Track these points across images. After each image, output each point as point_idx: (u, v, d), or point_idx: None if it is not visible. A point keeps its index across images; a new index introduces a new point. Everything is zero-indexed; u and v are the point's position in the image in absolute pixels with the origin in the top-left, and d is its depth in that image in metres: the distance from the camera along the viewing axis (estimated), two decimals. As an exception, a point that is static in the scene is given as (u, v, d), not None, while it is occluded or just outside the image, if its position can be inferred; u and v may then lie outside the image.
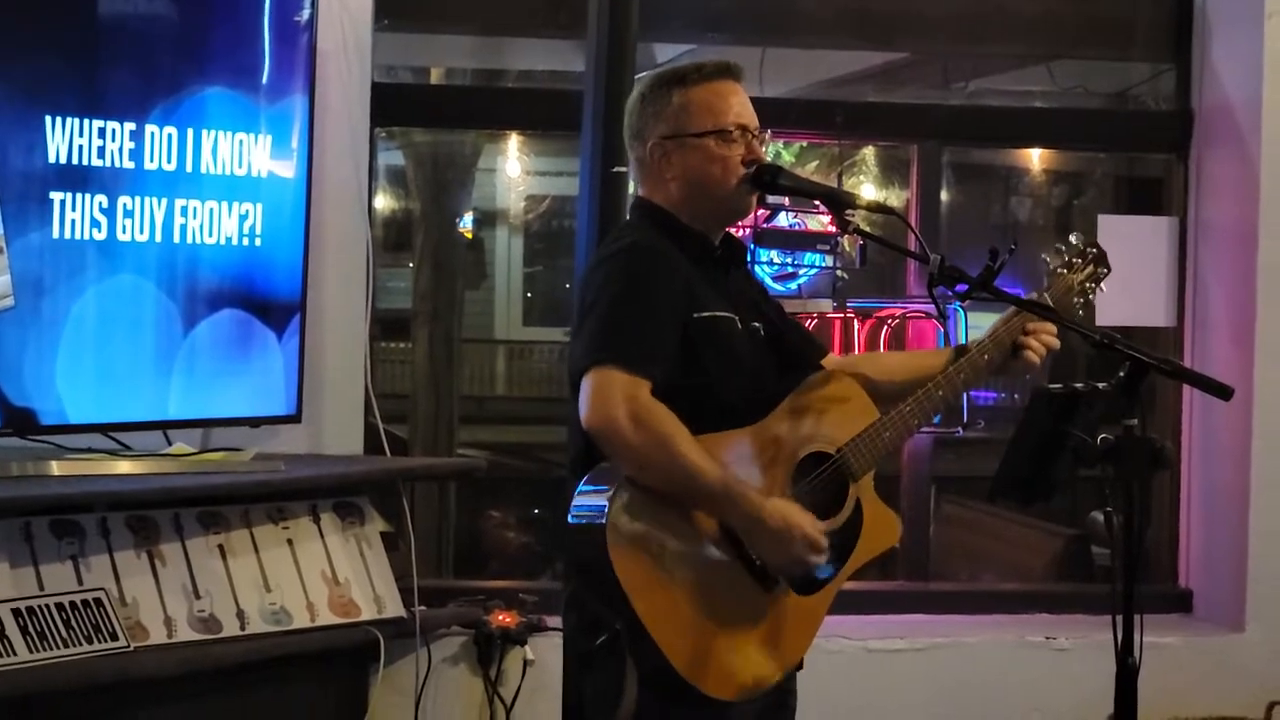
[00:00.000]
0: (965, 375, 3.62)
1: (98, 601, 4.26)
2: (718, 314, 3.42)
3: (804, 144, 6.68)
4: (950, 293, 3.41)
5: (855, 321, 5.59)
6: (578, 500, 3.32)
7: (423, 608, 5.00)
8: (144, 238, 4.65)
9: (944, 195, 6.34)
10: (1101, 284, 3.85)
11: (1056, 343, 3.69)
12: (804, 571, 3.37)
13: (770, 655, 3.38)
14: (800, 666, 3.54)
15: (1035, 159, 8.22)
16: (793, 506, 3.33)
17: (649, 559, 3.23)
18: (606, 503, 3.22)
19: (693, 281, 3.41)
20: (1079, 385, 3.38)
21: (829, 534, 3.38)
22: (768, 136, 3.60)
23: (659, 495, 3.25)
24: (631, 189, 4.61)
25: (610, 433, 3.21)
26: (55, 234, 4.44)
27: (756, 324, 3.55)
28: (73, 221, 4.48)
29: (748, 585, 3.32)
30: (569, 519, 3.32)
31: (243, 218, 4.90)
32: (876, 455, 3.50)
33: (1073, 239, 3.85)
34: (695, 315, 3.37)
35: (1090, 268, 3.82)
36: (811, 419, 3.45)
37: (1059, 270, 3.80)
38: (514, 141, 8.17)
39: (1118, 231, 5.98)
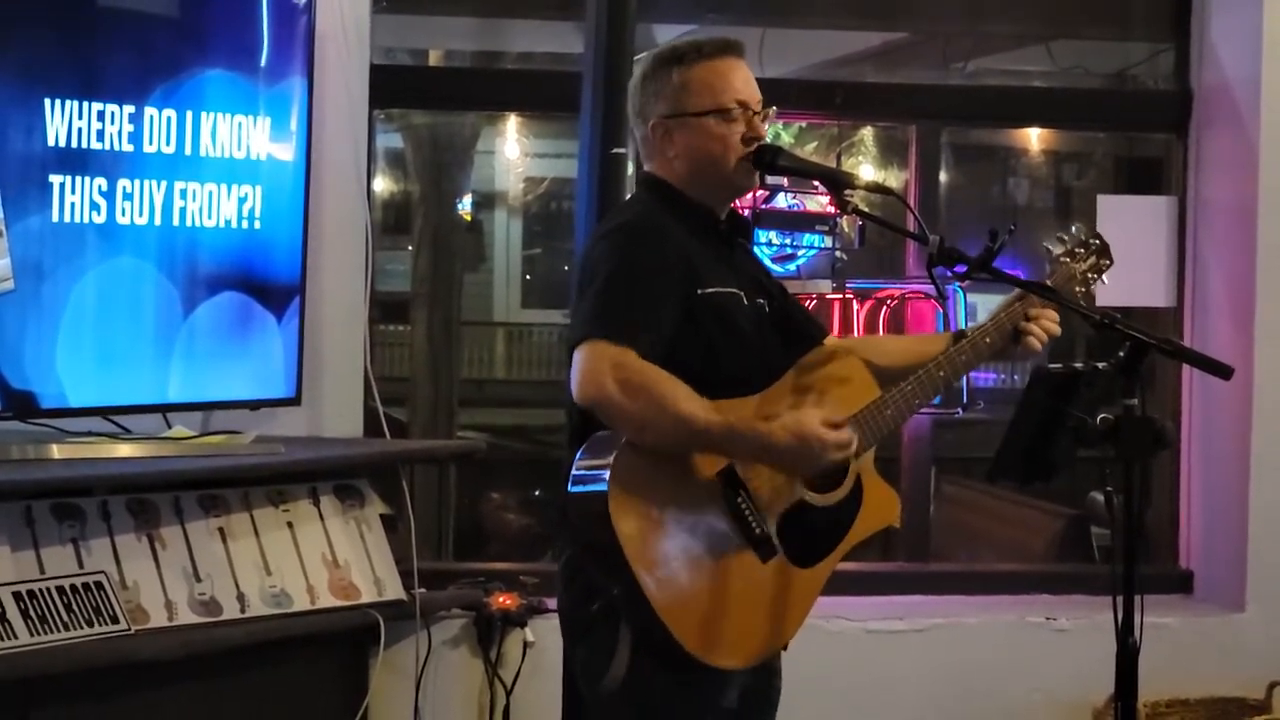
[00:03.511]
0: (966, 357, 3.63)
1: (98, 584, 4.26)
2: (721, 290, 3.43)
3: (803, 124, 6.69)
4: (949, 273, 3.42)
5: (854, 302, 5.58)
6: (577, 469, 3.33)
7: (423, 590, 5.00)
8: (143, 221, 4.65)
9: (943, 175, 6.35)
10: (1103, 275, 3.86)
11: (1058, 329, 3.70)
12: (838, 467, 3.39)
13: (765, 626, 3.39)
14: (784, 648, 3.55)
15: (1034, 139, 8.23)
16: (798, 418, 3.32)
17: (649, 526, 3.24)
18: (607, 469, 3.23)
19: (695, 257, 3.41)
20: (1079, 365, 3.39)
21: (828, 507, 3.42)
22: (772, 113, 3.60)
23: (659, 462, 3.26)
24: (631, 170, 4.64)
25: (604, 403, 3.22)
26: (55, 217, 4.44)
27: (761, 300, 3.55)
28: (72, 205, 4.48)
29: (746, 555, 3.33)
30: (569, 488, 3.34)
31: (242, 200, 4.89)
32: (877, 433, 3.50)
33: (1075, 229, 3.86)
34: (699, 291, 3.38)
35: (1093, 259, 3.84)
36: (813, 394, 3.46)
37: (1062, 259, 3.81)
38: (513, 123, 8.18)
39: (1117, 211, 5.98)
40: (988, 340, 3.64)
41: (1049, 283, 3.74)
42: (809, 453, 3.30)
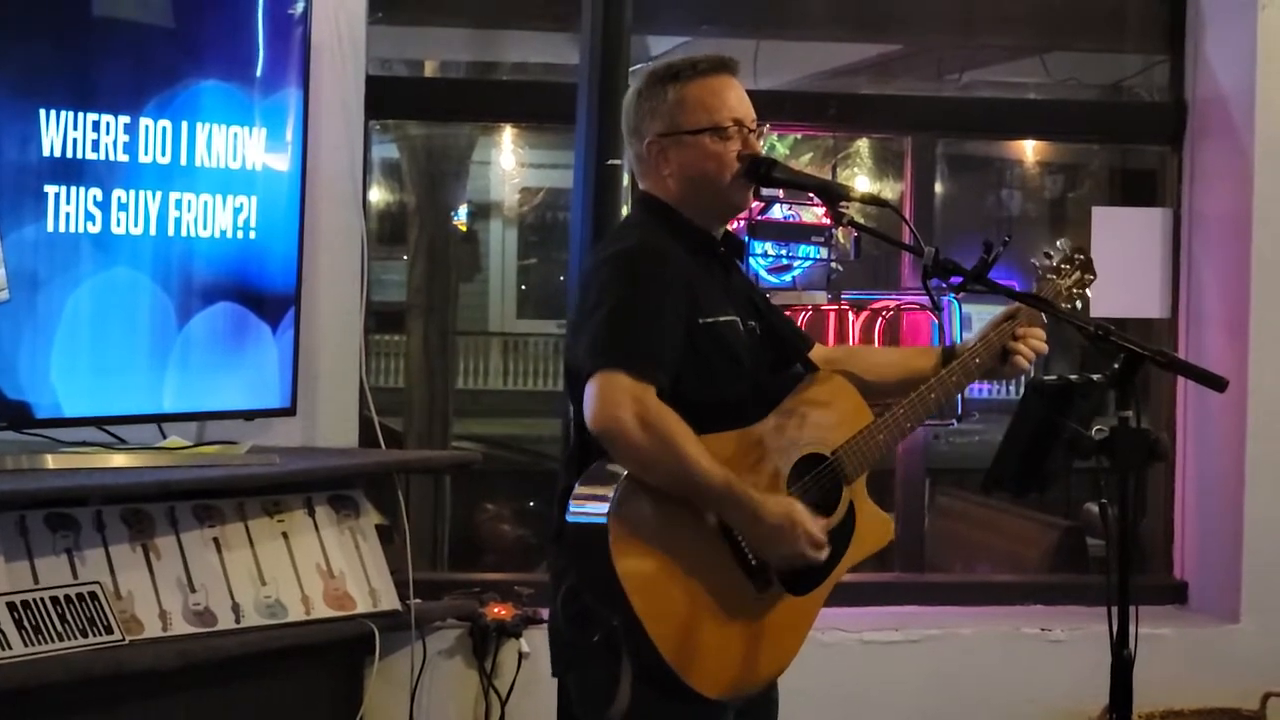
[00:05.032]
0: (956, 378, 3.65)
1: (92, 595, 4.26)
2: (721, 319, 3.43)
3: (798, 136, 6.70)
4: (944, 285, 3.42)
5: (850, 314, 5.59)
6: (577, 496, 3.33)
7: (418, 600, 5.00)
8: (138, 231, 4.65)
9: (938, 187, 6.35)
10: (1088, 290, 3.88)
11: (1045, 347, 3.72)
12: (804, 565, 3.38)
13: (763, 654, 3.40)
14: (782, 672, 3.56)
15: (1029, 151, 8.23)
16: (794, 503, 3.35)
17: (648, 557, 3.24)
18: (608, 500, 3.23)
19: (696, 284, 3.41)
20: (1073, 377, 3.40)
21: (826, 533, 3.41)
22: (766, 129, 3.60)
23: (659, 495, 3.26)
24: (626, 181, 4.64)
25: (618, 435, 3.22)
26: (50, 227, 4.44)
27: (753, 322, 3.56)
28: (67, 215, 4.48)
29: (743, 585, 3.34)
30: (568, 517, 3.33)
31: (237, 211, 4.89)
32: (870, 458, 3.52)
33: (1060, 245, 3.87)
34: (700, 321, 3.38)
35: (1077, 274, 3.85)
36: (808, 421, 3.47)
37: (1048, 275, 3.82)
38: (508, 134, 8.16)
39: (1112, 223, 5.99)
40: (977, 360, 3.66)
41: None
42: (790, 538, 3.32)
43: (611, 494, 3.23)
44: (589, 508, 3.28)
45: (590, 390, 3.25)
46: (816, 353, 3.77)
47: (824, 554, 3.38)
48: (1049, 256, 3.84)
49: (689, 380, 3.33)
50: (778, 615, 3.40)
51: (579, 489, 3.33)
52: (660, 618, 3.22)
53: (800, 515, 3.33)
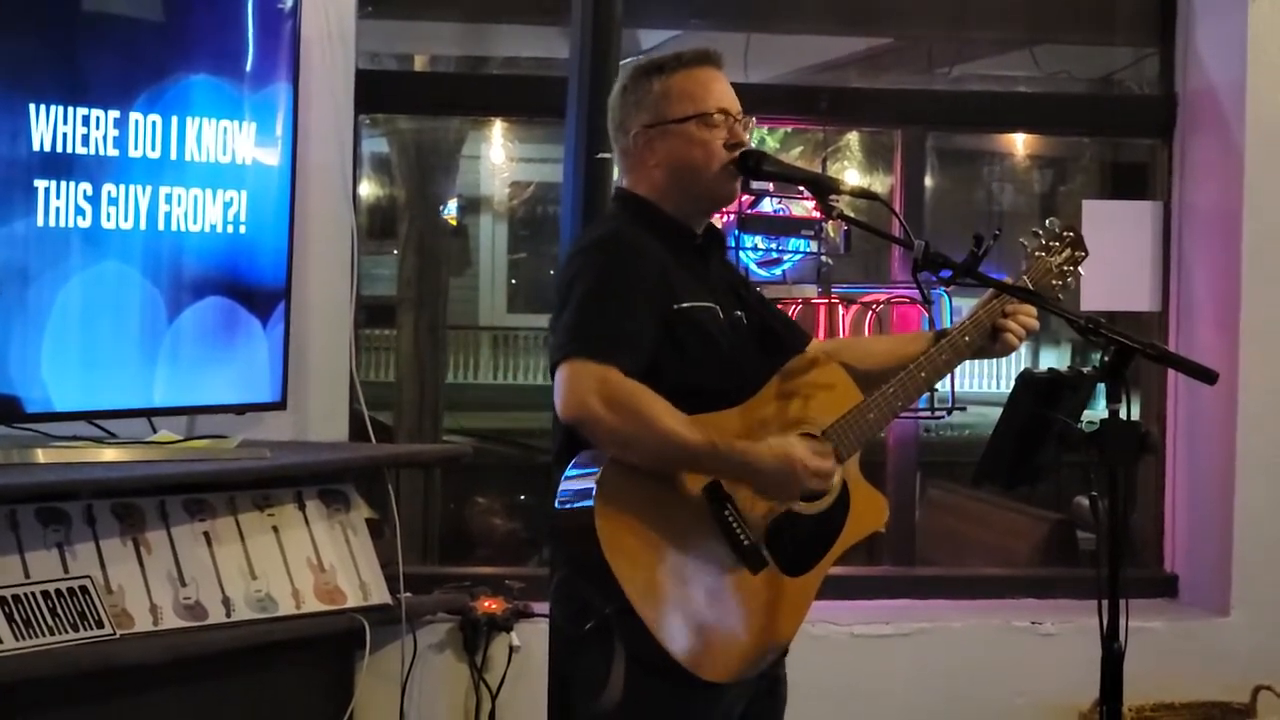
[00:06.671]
0: (946, 357, 3.63)
1: (83, 589, 4.25)
2: (697, 304, 3.43)
3: (788, 129, 6.69)
4: (935, 278, 3.42)
5: (840, 307, 5.58)
6: (564, 485, 3.32)
7: (408, 594, 5.00)
8: (128, 225, 4.65)
9: (928, 180, 6.34)
10: (1079, 267, 3.86)
11: (1035, 324, 3.70)
12: (820, 495, 3.40)
13: (760, 636, 3.38)
14: (783, 654, 3.55)
15: (1019, 144, 8.23)
16: (787, 441, 3.34)
17: (637, 541, 3.23)
18: (593, 485, 3.22)
19: (671, 272, 3.41)
20: (1063, 370, 3.40)
21: (816, 514, 3.43)
22: (753, 122, 3.60)
23: (645, 477, 3.26)
24: (616, 176, 4.64)
25: (587, 420, 3.22)
26: (39, 222, 4.43)
27: (739, 312, 3.56)
28: (57, 209, 4.47)
29: (735, 568, 3.33)
30: (556, 504, 3.33)
31: (227, 205, 4.89)
32: (861, 437, 3.50)
33: (1049, 223, 3.86)
34: (675, 306, 3.38)
35: (1068, 251, 3.82)
36: (796, 402, 3.46)
37: (1037, 253, 3.80)
38: (498, 128, 8.16)
39: (1102, 216, 5.99)
40: (967, 339, 3.64)
41: (1025, 278, 3.74)
42: (792, 477, 3.31)
43: (596, 479, 3.23)
44: (575, 494, 3.28)
45: (557, 381, 3.26)
46: (812, 346, 3.76)
47: (834, 480, 3.40)
48: (1038, 235, 3.83)
49: (667, 365, 3.33)
50: (774, 596, 3.38)
51: (565, 478, 3.33)
52: (653, 602, 3.22)
53: (797, 451, 3.31)
